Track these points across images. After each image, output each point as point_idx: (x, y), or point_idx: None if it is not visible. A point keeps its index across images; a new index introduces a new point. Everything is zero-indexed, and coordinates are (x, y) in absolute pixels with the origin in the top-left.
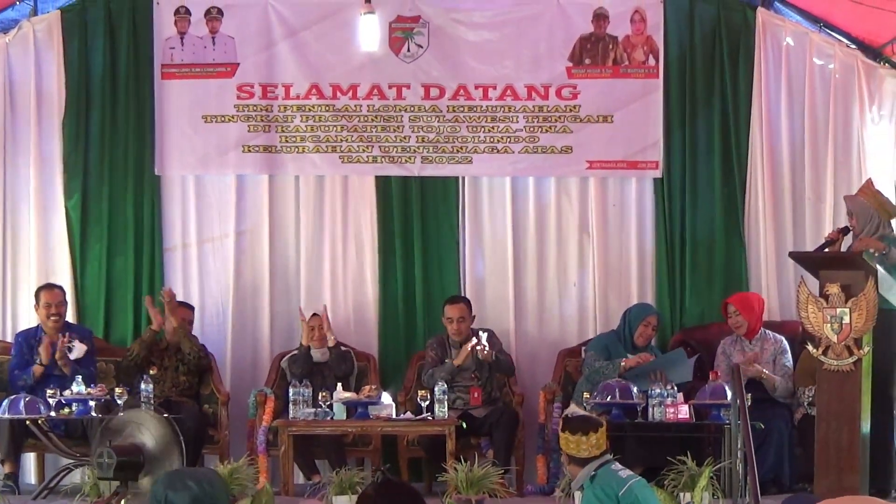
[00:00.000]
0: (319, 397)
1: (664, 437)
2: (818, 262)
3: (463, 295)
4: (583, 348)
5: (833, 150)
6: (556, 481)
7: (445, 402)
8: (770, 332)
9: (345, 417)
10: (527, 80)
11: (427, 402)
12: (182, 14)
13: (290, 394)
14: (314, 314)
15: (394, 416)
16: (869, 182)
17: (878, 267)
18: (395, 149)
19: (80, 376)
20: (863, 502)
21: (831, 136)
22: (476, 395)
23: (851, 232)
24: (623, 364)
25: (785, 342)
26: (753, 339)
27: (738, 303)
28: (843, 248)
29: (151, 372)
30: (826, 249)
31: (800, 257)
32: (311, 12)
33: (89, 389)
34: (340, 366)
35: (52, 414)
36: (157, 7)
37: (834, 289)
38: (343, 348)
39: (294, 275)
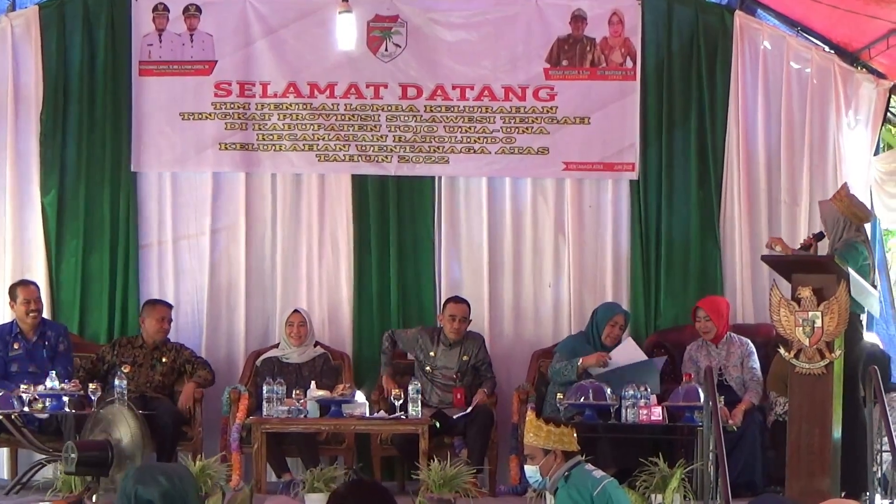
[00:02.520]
0: (293, 395)
1: (637, 439)
2: (790, 265)
3: (458, 295)
4: (555, 348)
5: (809, 153)
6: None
7: (419, 401)
8: (735, 335)
9: (318, 416)
10: (504, 81)
11: (401, 401)
12: (160, 11)
13: (264, 391)
14: (295, 310)
15: (367, 414)
16: (844, 187)
17: (850, 270)
18: (372, 148)
19: (55, 372)
20: None
21: (807, 139)
22: (459, 395)
23: (826, 237)
24: (580, 363)
25: (751, 345)
26: (720, 343)
27: (708, 307)
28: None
29: (125, 369)
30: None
31: (772, 261)
32: (290, 10)
33: (63, 385)
34: (322, 379)
35: (26, 409)
36: (136, 4)
37: (806, 292)
38: (320, 350)
39: (270, 273)
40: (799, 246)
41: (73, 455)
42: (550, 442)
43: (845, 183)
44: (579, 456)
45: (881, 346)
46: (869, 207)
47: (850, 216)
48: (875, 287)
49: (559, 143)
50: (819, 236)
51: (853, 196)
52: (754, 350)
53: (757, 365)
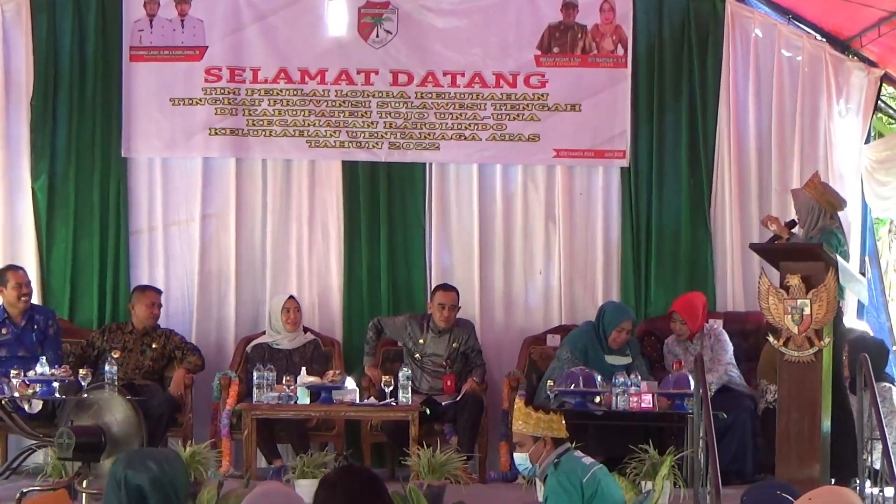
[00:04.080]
0: (283, 381)
1: (627, 426)
2: (779, 253)
3: (446, 283)
4: (549, 335)
5: (800, 141)
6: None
7: (409, 388)
8: (709, 325)
9: (308, 402)
10: (495, 68)
11: (391, 388)
12: None
13: (254, 378)
14: (290, 296)
15: (357, 401)
16: (815, 175)
17: (839, 258)
18: (363, 134)
19: (45, 357)
20: (835, 492)
21: (798, 127)
22: (449, 382)
23: (796, 227)
24: None
25: (722, 333)
26: (694, 338)
27: (683, 311)
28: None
29: (115, 355)
30: (776, 242)
31: (761, 249)
32: None
33: (53, 370)
34: (313, 365)
35: (16, 395)
36: None
37: (794, 280)
38: (311, 336)
39: (260, 259)
40: (771, 236)
41: (69, 441)
42: (539, 429)
43: (817, 171)
44: (569, 443)
45: (871, 335)
46: (842, 195)
47: (823, 204)
48: (863, 274)
49: (550, 130)
50: (791, 224)
51: (826, 184)
52: (724, 338)
53: (723, 350)
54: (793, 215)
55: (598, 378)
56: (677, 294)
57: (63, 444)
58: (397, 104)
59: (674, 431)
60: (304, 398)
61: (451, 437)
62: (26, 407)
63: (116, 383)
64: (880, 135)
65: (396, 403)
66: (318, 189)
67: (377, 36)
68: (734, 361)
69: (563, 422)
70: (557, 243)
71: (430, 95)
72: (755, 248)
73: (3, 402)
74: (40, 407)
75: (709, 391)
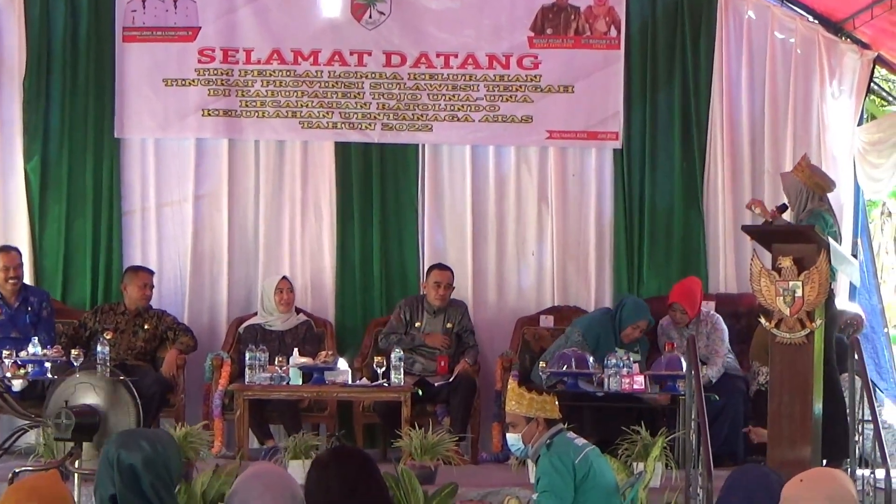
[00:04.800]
0: (276, 362)
1: (619, 408)
2: (771, 235)
3: (441, 262)
4: (541, 316)
5: (793, 124)
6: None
7: (401, 369)
8: (705, 310)
9: (301, 383)
10: (488, 49)
11: (383, 369)
12: None
13: (247, 358)
14: (283, 277)
15: (350, 382)
16: (804, 157)
17: (830, 240)
18: (356, 115)
19: (37, 338)
20: (825, 474)
21: (791, 109)
22: (443, 363)
23: (786, 210)
24: None
25: (719, 321)
26: (690, 323)
27: (684, 301)
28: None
29: (107, 336)
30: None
31: (753, 231)
32: None
33: (45, 351)
34: (305, 346)
35: (8, 375)
36: None
37: (786, 262)
38: (303, 317)
39: (252, 239)
40: (763, 220)
41: (67, 421)
42: (532, 410)
43: (805, 154)
44: (561, 424)
45: (863, 316)
46: (830, 177)
47: (812, 186)
48: (855, 256)
49: (543, 111)
50: (782, 208)
51: (814, 166)
52: (721, 326)
53: (721, 340)
54: (783, 198)
55: (591, 360)
56: (670, 276)
57: (62, 424)
58: (390, 85)
59: (666, 413)
60: (296, 379)
61: (444, 418)
62: (15, 386)
63: (108, 364)
64: (873, 117)
65: (389, 384)
66: (310, 170)
67: (370, 17)
68: (730, 347)
69: (556, 403)
70: (550, 225)
71: (423, 77)
72: (747, 230)
73: None
74: (25, 385)
75: (709, 384)
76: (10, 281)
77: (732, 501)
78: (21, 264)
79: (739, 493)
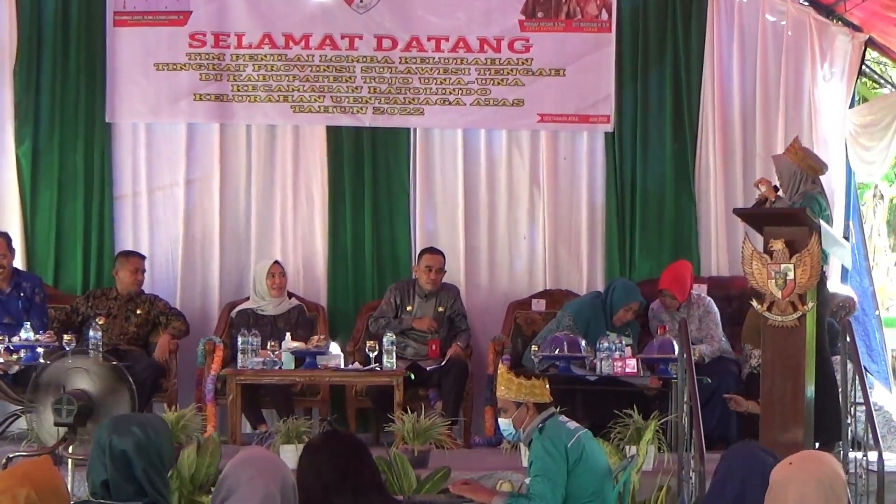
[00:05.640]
0: (268, 346)
1: (611, 391)
2: (762, 218)
3: (433, 246)
4: (533, 300)
5: (784, 106)
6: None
7: (394, 353)
8: (696, 293)
9: (293, 367)
10: (479, 33)
11: (375, 353)
12: None
13: (239, 343)
14: (275, 261)
15: (342, 366)
16: (796, 140)
17: (822, 223)
18: (347, 99)
19: (29, 323)
20: (815, 457)
21: (782, 92)
22: (434, 347)
23: (780, 191)
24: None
25: (711, 304)
26: (681, 306)
27: (673, 287)
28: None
29: (99, 321)
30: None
31: (744, 213)
32: None
33: (38, 336)
34: (297, 331)
35: (0, 360)
36: None
37: (778, 245)
38: (295, 301)
39: (244, 224)
40: (756, 201)
41: (70, 407)
42: (521, 394)
43: (797, 136)
44: (553, 408)
45: (855, 299)
46: (822, 159)
47: (805, 168)
48: (847, 239)
49: (534, 95)
50: (774, 189)
51: (806, 148)
52: (714, 309)
53: (715, 323)
54: (776, 180)
55: (583, 343)
56: (661, 259)
57: (62, 409)
58: (381, 69)
59: (658, 396)
60: (288, 363)
61: (436, 403)
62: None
63: (101, 349)
64: (864, 99)
65: (381, 369)
66: (302, 154)
67: (361, 1)
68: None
69: (547, 386)
70: (542, 208)
71: (414, 60)
72: (739, 212)
73: None
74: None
75: (702, 361)
76: (1, 268)
77: (726, 489)
78: (10, 251)
79: (734, 481)
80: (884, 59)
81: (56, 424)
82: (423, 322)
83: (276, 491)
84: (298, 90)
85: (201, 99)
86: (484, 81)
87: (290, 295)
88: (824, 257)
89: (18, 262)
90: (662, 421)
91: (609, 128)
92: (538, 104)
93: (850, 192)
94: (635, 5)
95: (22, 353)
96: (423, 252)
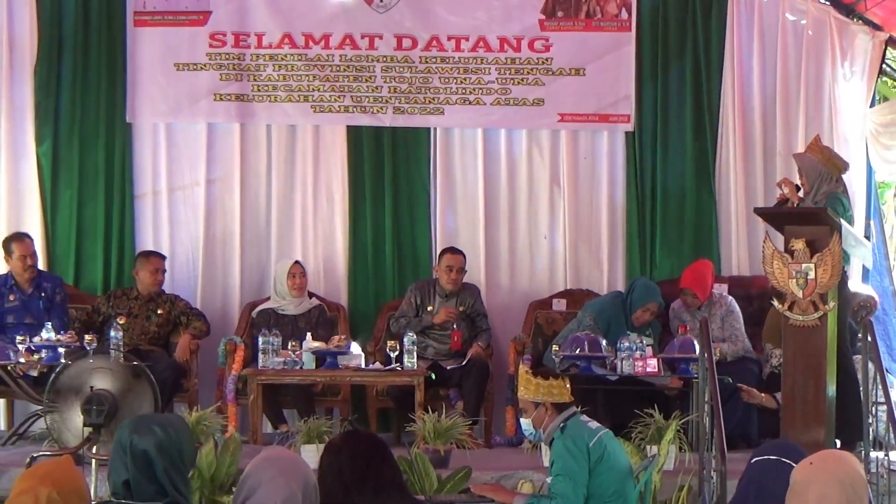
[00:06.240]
0: (289, 346)
1: (632, 391)
2: (783, 217)
3: (453, 246)
4: (554, 299)
5: (804, 105)
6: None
7: (415, 353)
8: (717, 292)
9: (314, 367)
10: (499, 32)
11: (396, 353)
12: None
13: (260, 343)
14: (296, 261)
15: (363, 366)
16: (817, 138)
17: (843, 222)
18: (367, 99)
19: (50, 323)
20: (835, 457)
21: (803, 91)
22: (456, 338)
23: (801, 189)
24: None
25: (733, 303)
26: (703, 305)
27: (694, 286)
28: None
29: (120, 321)
30: (783, 206)
31: (765, 213)
32: None
33: (59, 336)
34: (318, 330)
35: (22, 360)
36: None
37: (799, 244)
38: (316, 301)
39: (265, 224)
40: (777, 200)
41: (101, 407)
42: (540, 395)
43: (818, 134)
44: (574, 407)
45: (876, 298)
46: (843, 158)
47: (829, 167)
48: (868, 238)
49: (554, 94)
50: (795, 189)
51: (828, 147)
52: (736, 308)
53: (738, 323)
54: (797, 178)
55: (604, 343)
56: (682, 258)
57: (92, 409)
58: (401, 69)
59: (679, 396)
60: (309, 363)
61: (457, 402)
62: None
63: (122, 349)
64: (885, 98)
65: (402, 368)
66: (322, 154)
67: (381, 0)
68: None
69: (568, 386)
70: (562, 208)
71: (434, 60)
72: (760, 212)
73: (8, 367)
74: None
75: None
76: (28, 269)
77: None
78: (35, 252)
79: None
80: None
81: (86, 425)
82: (440, 315)
83: (297, 491)
84: (318, 90)
85: (221, 99)
86: (504, 81)
87: (311, 295)
88: (845, 257)
89: (39, 262)
90: (683, 420)
91: (629, 127)
92: (558, 104)
93: (871, 191)
94: (655, 4)
95: (43, 354)
96: (443, 252)
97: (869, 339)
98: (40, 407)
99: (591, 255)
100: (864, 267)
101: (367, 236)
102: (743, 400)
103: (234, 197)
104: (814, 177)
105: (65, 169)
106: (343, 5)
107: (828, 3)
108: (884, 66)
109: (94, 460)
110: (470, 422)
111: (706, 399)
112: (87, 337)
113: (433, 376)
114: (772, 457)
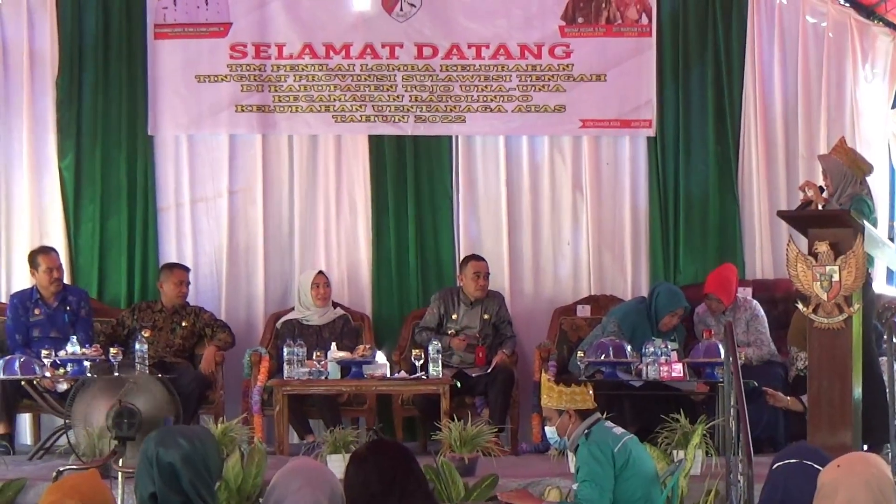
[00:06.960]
0: (314, 357)
1: (658, 396)
2: (806, 220)
3: (476, 253)
4: (578, 305)
5: (826, 107)
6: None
7: (440, 361)
8: (742, 297)
9: (339, 377)
10: (520, 39)
11: (421, 362)
12: None
13: (285, 353)
14: (319, 272)
15: (388, 375)
16: (842, 140)
17: (866, 224)
18: (389, 108)
19: (75, 337)
20: (863, 459)
21: (824, 94)
22: (481, 354)
23: (826, 191)
24: None
25: (758, 308)
26: (727, 310)
27: (719, 291)
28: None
29: (145, 334)
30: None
31: (788, 216)
32: None
33: (84, 350)
34: (343, 340)
35: (47, 374)
36: None
37: (823, 247)
38: (340, 311)
39: (287, 234)
40: (801, 202)
41: (133, 420)
42: (562, 402)
43: (842, 136)
44: (599, 414)
45: None
46: (868, 160)
47: (854, 169)
48: (892, 240)
49: (576, 100)
50: (819, 190)
51: (852, 148)
52: (761, 312)
53: (763, 327)
54: (819, 181)
55: (629, 348)
56: (707, 262)
57: (123, 423)
58: (422, 77)
59: (705, 400)
60: (334, 373)
61: (483, 410)
62: (60, 387)
63: (147, 362)
64: None
65: (427, 377)
66: (344, 163)
67: (401, 9)
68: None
69: (591, 392)
70: (585, 214)
71: (454, 68)
72: (783, 214)
73: (34, 382)
74: (65, 387)
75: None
76: (54, 283)
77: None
78: (61, 265)
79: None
80: None
81: (116, 438)
82: (459, 343)
83: (324, 500)
84: (340, 99)
85: (243, 110)
86: (525, 88)
87: (335, 304)
88: (870, 259)
89: (64, 277)
90: (710, 425)
91: (651, 132)
92: (580, 110)
93: (894, 193)
94: (675, 9)
95: (69, 368)
96: (467, 259)
97: (894, 340)
98: (67, 420)
99: (615, 261)
100: (888, 269)
101: (390, 245)
102: (769, 403)
103: (256, 208)
104: (838, 179)
105: (87, 183)
106: (363, 15)
107: (848, 4)
108: None
109: (120, 473)
110: (496, 429)
111: (732, 403)
112: (112, 350)
113: (458, 384)
114: (794, 460)
